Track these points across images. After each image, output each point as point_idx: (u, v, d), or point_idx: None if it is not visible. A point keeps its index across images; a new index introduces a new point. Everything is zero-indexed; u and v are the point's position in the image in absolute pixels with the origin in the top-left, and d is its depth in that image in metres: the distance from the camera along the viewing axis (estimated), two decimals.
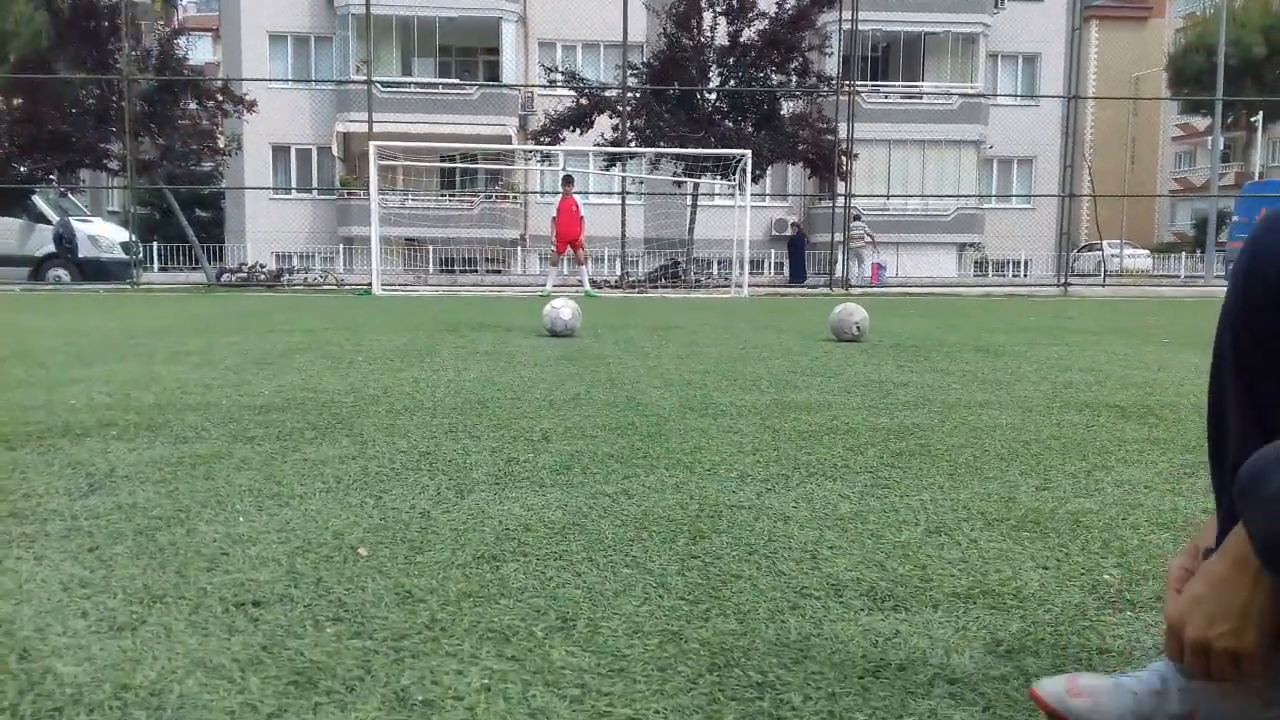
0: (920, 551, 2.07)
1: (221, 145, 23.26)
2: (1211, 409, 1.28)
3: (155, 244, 30.10)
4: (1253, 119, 39.54)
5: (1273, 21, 36.12)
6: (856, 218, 25.01)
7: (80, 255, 20.24)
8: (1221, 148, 35.47)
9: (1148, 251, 42.59)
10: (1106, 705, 1.28)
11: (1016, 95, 34.45)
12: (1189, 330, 8.85)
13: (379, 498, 2.47)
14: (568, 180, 18.03)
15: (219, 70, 32.74)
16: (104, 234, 21.00)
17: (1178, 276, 33.97)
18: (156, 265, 29.96)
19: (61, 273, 20.11)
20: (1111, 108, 49.40)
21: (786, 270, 27.94)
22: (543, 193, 31.76)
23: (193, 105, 21.71)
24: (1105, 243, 30.10)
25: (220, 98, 21.72)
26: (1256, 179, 38.89)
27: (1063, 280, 22.04)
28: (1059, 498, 2.54)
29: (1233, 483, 1.08)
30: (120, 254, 20.48)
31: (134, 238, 20.66)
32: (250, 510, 2.34)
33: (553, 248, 18.24)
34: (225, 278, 21.32)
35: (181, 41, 22.22)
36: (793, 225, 29.12)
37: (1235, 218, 28.02)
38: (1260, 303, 1.18)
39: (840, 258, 22.25)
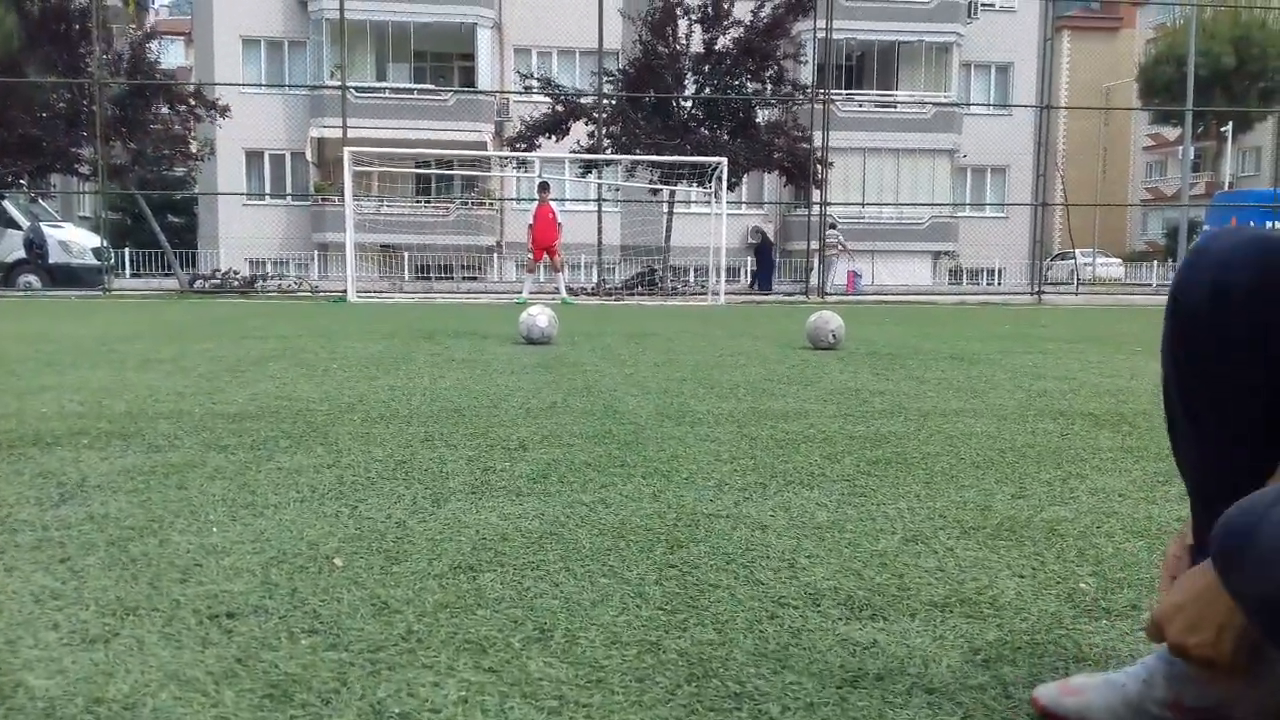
0: (897, 560, 2.07)
1: (194, 150, 23.09)
2: (1166, 411, 1.38)
3: (127, 250, 29.82)
4: (1223, 129, 40.01)
5: (1242, 33, 36.58)
6: (832, 225, 25.07)
7: (51, 261, 20.04)
8: (1192, 157, 35.87)
9: (1120, 260, 43.01)
10: (1097, 700, 1.32)
11: (989, 105, 34.75)
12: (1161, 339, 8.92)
13: (354, 507, 2.45)
14: (544, 187, 17.93)
15: (191, 74, 32.51)
16: (75, 239, 20.80)
17: (1150, 285, 34.30)
18: (129, 271, 29.69)
19: (32, 279, 19.91)
20: (1083, 118, 49.85)
21: (750, 278, 27.77)
22: (519, 199, 31.71)
23: (165, 110, 21.54)
24: (1078, 251, 30.34)
25: (193, 102, 21.57)
26: (1227, 188, 39.38)
27: (1036, 289, 22.22)
28: (1034, 506, 2.55)
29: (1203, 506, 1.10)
30: (92, 260, 20.29)
31: (105, 243, 20.46)
32: (224, 520, 2.32)
33: (530, 255, 18.10)
34: (198, 284, 21.17)
35: (153, 45, 22.06)
36: (754, 231, 28.93)
37: (1206, 227, 28.33)
38: (1187, 329, 1.28)
39: (816, 265, 22.32)
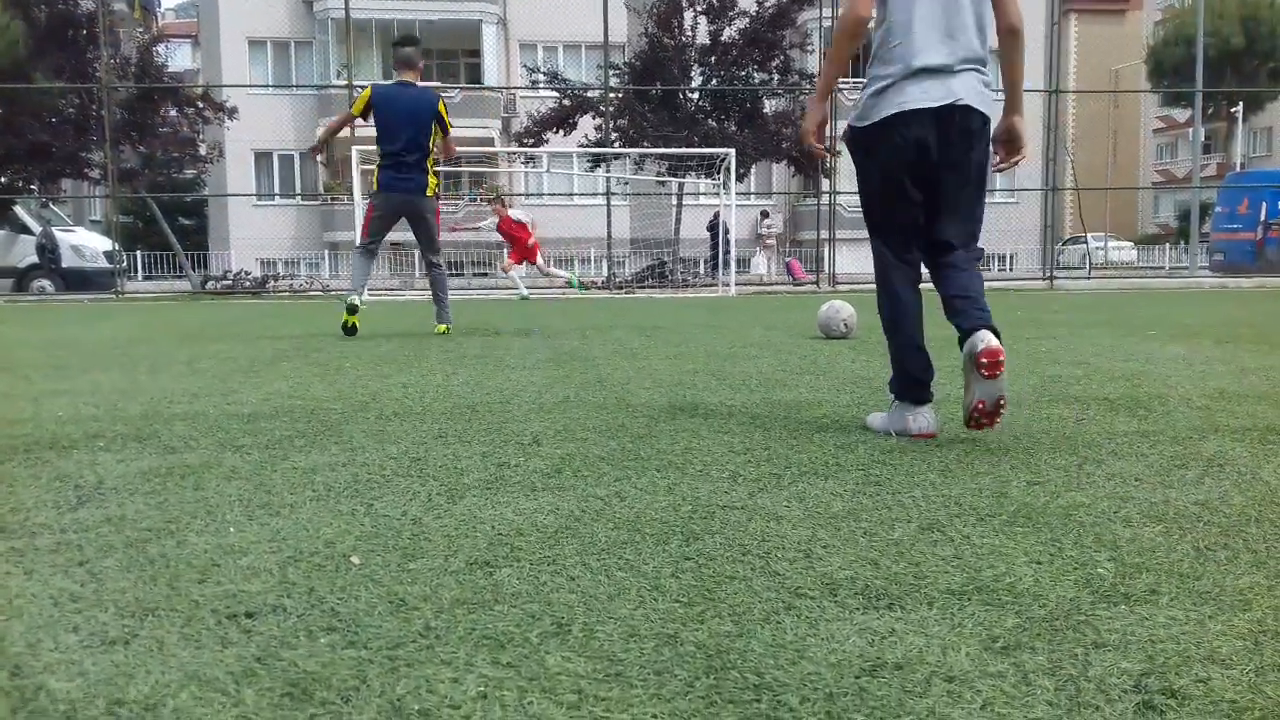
0: (914, 549, 2.07)
1: (203, 152, 23.17)
2: None
3: (139, 253, 29.97)
4: (1233, 109, 39.78)
5: (1250, 12, 36.35)
6: (764, 214, 24.91)
7: (64, 265, 20.15)
8: (1203, 139, 35.64)
9: (1132, 244, 42.81)
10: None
11: (998, 89, 34.56)
12: (1175, 322, 8.89)
13: (370, 505, 2.46)
14: (498, 200, 17.24)
15: (199, 77, 32.63)
16: (87, 243, 20.90)
17: (1162, 268, 34.13)
18: (140, 274, 29.84)
19: (45, 283, 20.01)
20: (1092, 101, 49.61)
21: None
22: (528, 194, 31.73)
23: (173, 113, 21.62)
24: (1089, 236, 30.21)
25: (201, 104, 21.64)
26: (1238, 169, 39.12)
27: (1048, 274, 22.14)
28: (1050, 492, 2.54)
29: None
30: (104, 263, 20.38)
31: (117, 247, 20.54)
32: (240, 520, 2.33)
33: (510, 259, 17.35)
34: (210, 285, 21.25)
35: (160, 49, 22.14)
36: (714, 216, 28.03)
37: (1218, 208, 28.18)
38: None
39: (827, 254, 22.27)
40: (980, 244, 3.45)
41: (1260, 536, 2.14)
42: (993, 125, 3.42)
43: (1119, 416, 3.70)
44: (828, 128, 3.75)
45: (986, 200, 3.50)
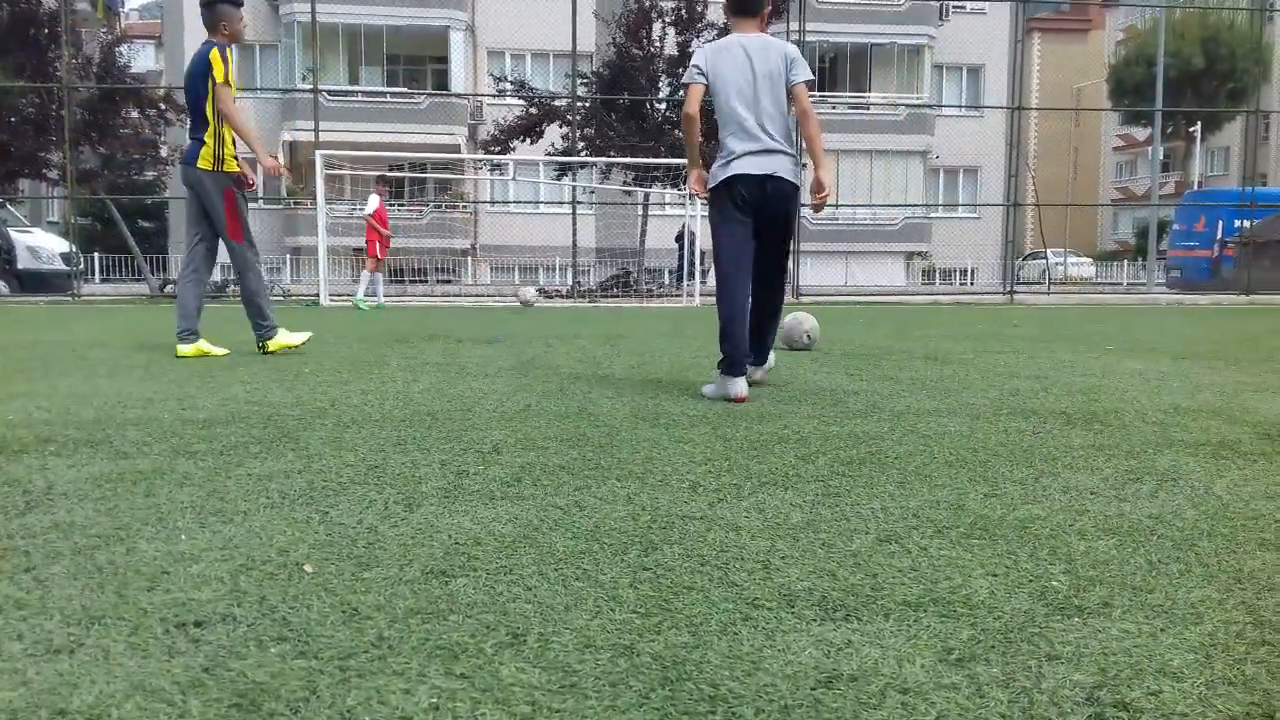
0: (871, 560, 2.07)
1: (164, 154, 22.90)
2: None
3: (97, 255, 29.56)
4: (1191, 129, 40.40)
5: (1210, 34, 36.97)
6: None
7: (19, 267, 19.83)
8: (1161, 157, 36.21)
9: (1091, 259, 43.37)
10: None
11: (961, 106, 35.01)
12: (1132, 338, 9.01)
13: (325, 513, 2.43)
14: (382, 180, 16.65)
15: (162, 78, 32.29)
16: (44, 245, 20.59)
17: (1120, 284, 34.63)
18: (98, 276, 29.43)
19: None
20: (1054, 118, 50.27)
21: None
22: (493, 202, 31.66)
23: (135, 114, 21.35)
24: (1049, 251, 30.57)
25: (163, 106, 21.38)
26: (1196, 188, 39.76)
27: (1008, 288, 22.38)
28: (1007, 505, 2.56)
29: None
30: (61, 265, 20.09)
31: (75, 249, 20.25)
32: (192, 527, 2.29)
33: (371, 258, 16.46)
34: (169, 289, 20.99)
35: (123, 49, 21.87)
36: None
37: (1176, 226, 28.62)
38: None
39: (791, 267, 22.37)
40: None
41: (1212, 550, 2.16)
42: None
43: (1075, 430, 3.73)
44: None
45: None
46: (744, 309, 4.68)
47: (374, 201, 16.11)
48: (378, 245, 16.19)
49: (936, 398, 4.63)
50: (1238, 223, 25.07)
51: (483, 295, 21.28)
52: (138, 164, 23.46)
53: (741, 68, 4.65)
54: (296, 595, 1.83)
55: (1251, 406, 4.37)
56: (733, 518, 2.41)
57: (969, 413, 4.16)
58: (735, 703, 1.40)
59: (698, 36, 22.22)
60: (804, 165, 6.20)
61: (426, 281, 29.58)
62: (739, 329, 4.60)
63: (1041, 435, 3.62)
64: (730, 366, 4.55)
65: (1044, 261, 29.11)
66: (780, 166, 4.72)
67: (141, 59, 36.08)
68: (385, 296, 17.65)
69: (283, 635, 1.64)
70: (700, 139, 4.89)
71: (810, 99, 4.84)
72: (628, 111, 22.38)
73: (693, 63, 4.75)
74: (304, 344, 7.01)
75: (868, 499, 2.61)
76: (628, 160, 21.01)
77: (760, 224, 4.76)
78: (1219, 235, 25.87)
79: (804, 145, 4.99)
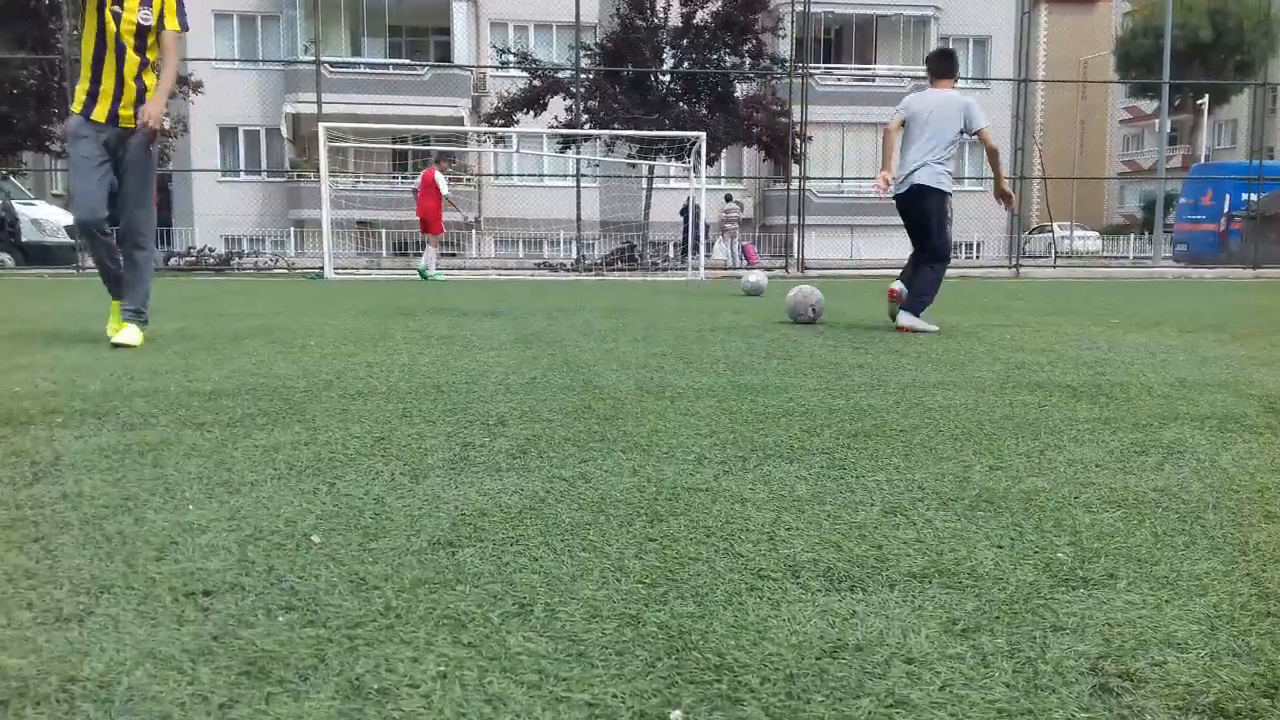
0: (876, 532, 2.08)
1: (166, 126, 22.83)
2: None
3: None
4: (1199, 102, 40.18)
5: (1219, 5, 36.67)
6: (728, 198, 25.04)
7: (24, 239, 19.81)
8: (1169, 130, 36.00)
9: (1097, 233, 43.22)
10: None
11: (967, 78, 34.71)
12: (1138, 311, 8.99)
13: (332, 484, 2.44)
14: (446, 157, 17.42)
15: None
16: (48, 217, 20.56)
17: (1126, 258, 34.51)
18: None
19: (4, 257, 19.68)
20: (1061, 91, 49.95)
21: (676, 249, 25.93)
22: (497, 175, 31.55)
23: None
24: (1055, 225, 30.46)
25: None
26: (1203, 161, 39.56)
27: (1014, 262, 22.30)
28: (1012, 477, 2.56)
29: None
30: (65, 238, 20.06)
31: None
32: (200, 498, 2.30)
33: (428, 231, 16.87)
34: (173, 262, 20.99)
35: None
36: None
37: (1183, 199, 28.49)
38: None
39: (796, 240, 22.31)
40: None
41: (1217, 523, 2.16)
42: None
43: (1081, 403, 3.73)
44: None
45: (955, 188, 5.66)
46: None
47: (442, 180, 16.48)
48: (427, 221, 16.63)
49: (942, 371, 4.63)
50: (1245, 196, 24.95)
51: (487, 269, 21.21)
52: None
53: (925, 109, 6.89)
54: (304, 565, 1.84)
55: (1258, 380, 4.36)
56: (738, 489, 2.42)
57: (974, 386, 4.16)
58: (740, 671, 1.41)
59: (701, 8, 22.05)
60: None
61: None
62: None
63: (1047, 408, 3.62)
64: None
65: (1050, 235, 29.01)
66: (923, 175, 6.79)
67: None
68: (389, 270, 17.64)
69: (291, 604, 1.65)
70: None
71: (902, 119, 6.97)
72: (631, 84, 22.24)
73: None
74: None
75: (873, 471, 2.61)
76: (632, 133, 20.90)
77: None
78: (1226, 209, 25.76)
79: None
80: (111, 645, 1.48)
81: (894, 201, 6.93)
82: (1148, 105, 50.75)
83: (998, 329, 6.91)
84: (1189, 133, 48.10)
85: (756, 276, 11.54)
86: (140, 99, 5.53)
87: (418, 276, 16.46)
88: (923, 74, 7.73)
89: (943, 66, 7.19)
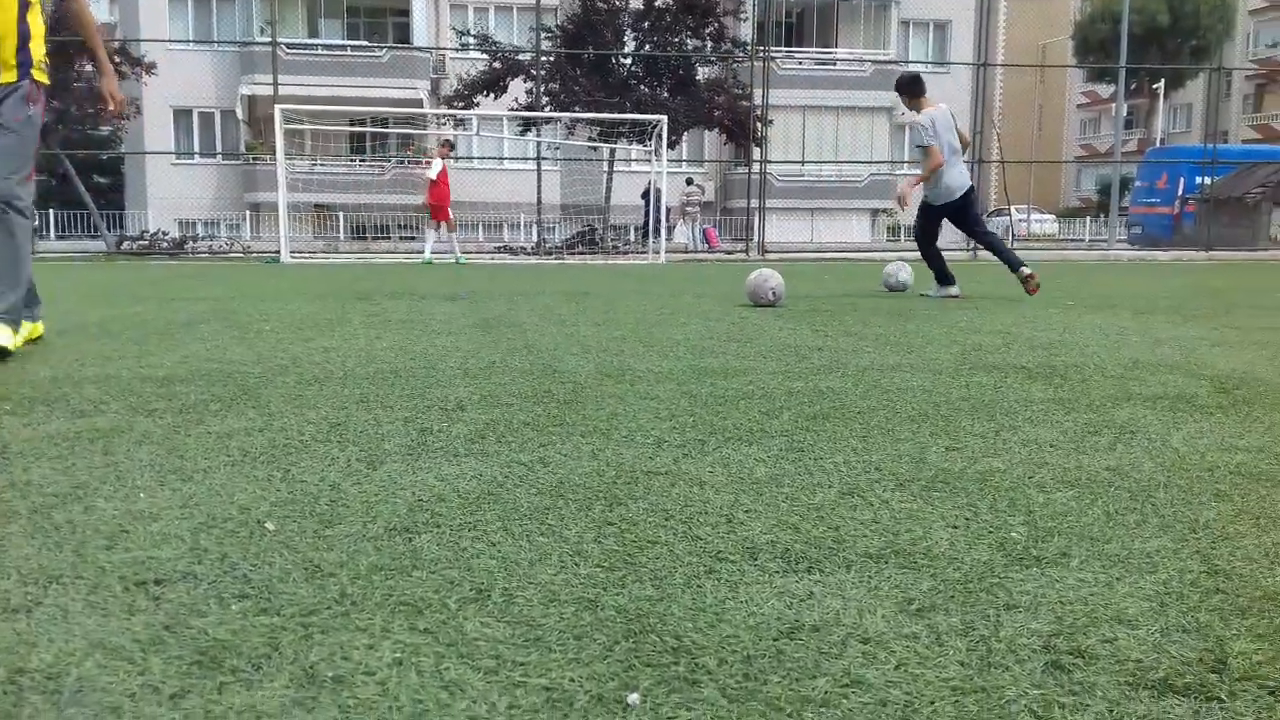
0: (834, 513, 2.09)
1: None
2: None
3: (52, 211, 29.00)
4: (1155, 86, 40.63)
5: None
6: (689, 182, 25.17)
7: None
8: (1125, 115, 36.39)
9: (1054, 216, 43.68)
10: None
11: (928, 62, 34.90)
12: (1093, 293, 9.09)
13: (287, 470, 2.41)
14: (447, 143, 17.65)
15: (116, 31, 31.54)
16: None
17: (1082, 241, 34.90)
18: (53, 233, 28.92)
19: None
20: (1020, 75, 50.33)
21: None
22: (456, 158, 31.30)
23: (89, 67, 20.87)
24: (1013, 208, 30.72)
25: (118, 59, 20.92)
26: (1159, 145, 40.04)
27: (972, 245, 22.45)
28: (968, 458, 2.58)
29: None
30: None
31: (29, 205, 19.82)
32: (151, 485, 2.27)
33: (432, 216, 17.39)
34: (126, 246, 20.68)
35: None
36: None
37: (1138, 183, 28.85)
38: None
39: (757, 224, 22.35)
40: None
41: (1168, 501, 2.19)
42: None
43: (1036, 384, 3.77)
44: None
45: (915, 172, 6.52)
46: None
47: (437, 164, 16.75)
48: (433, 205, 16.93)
49: (900, 353, 4.66)
50: (1199, 180, 25.31)
51: (447, 252, 21.03)
52: (92, 118, 22.94)
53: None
54: (258, 553, 1.82)
55: (1209, 361, 4.43)
56: (697, 473, 2.42)
57: (931, 368, 4.19)
58: (698, 654, 1.41)
59: None
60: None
61: (390, 238, 29.30)
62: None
63: (1003, 390, 3.65)
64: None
65: (1007, 218, 29.26)
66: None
67: (95, 11, 35.26)
68: (347, 254, 17.55)
69: (244, 593, 1.63)
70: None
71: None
72: (593, 66, 22.15)
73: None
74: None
75: (831, 453, 2.62)
76: (593, 116, 20.83)
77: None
78: (1180, 192, 26.13)
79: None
80: (60, 636, 1.46)
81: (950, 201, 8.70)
82: (1105, 89, 51.26)
83: (955, 311, 6.97)
84: (1145, 117, 48.68)
85: (904, 274, 9.43)
86: (23, 46, 4.60)
87: (454, 263, 16.71)
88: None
89: (919, 88, 8.54)
